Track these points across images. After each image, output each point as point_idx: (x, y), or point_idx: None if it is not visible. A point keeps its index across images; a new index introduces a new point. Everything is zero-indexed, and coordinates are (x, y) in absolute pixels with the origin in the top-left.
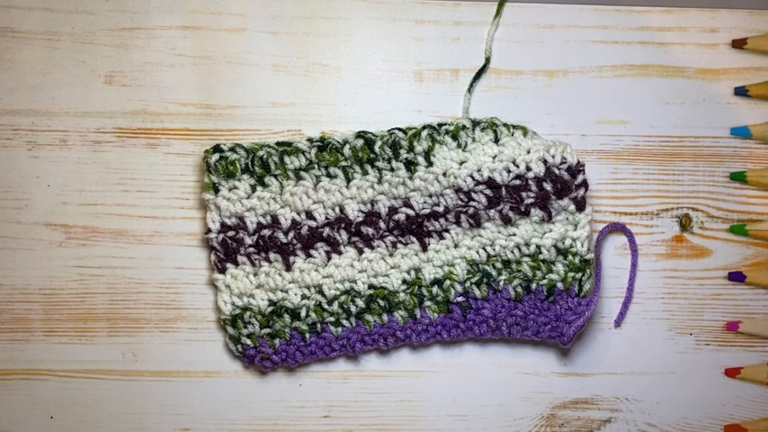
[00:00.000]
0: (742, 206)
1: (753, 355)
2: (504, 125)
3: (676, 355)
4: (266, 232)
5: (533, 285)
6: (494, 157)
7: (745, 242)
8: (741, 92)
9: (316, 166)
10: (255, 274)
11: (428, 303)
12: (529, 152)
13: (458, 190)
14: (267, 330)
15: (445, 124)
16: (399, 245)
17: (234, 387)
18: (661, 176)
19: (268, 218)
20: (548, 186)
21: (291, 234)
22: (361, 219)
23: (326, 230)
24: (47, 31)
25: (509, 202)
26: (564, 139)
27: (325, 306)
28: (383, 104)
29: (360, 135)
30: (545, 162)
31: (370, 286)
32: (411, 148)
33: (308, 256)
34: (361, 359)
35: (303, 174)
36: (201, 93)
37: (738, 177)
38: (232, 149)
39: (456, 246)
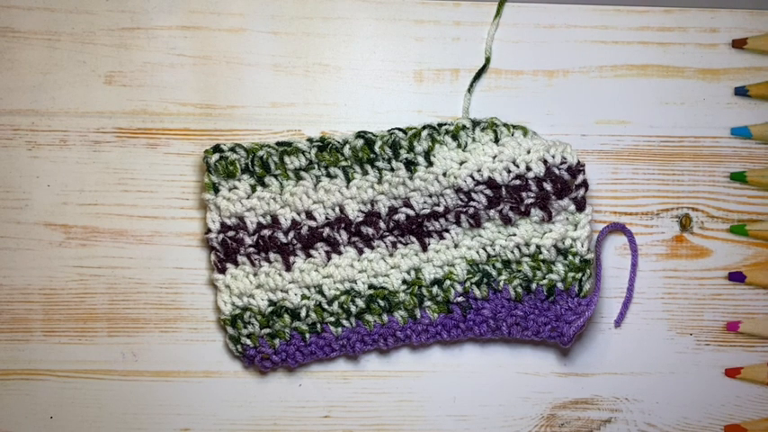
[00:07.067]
0: (742, 206)
1: (753, 355)
2: (504, 125)
3: (676, 355)
4: (266, 232)
5: (533, 285)
6: (494, 157)
7: (745, 242)
8: (741, 92)
9: (316, 166)
10: (255, 275)
11: (428, 303)
12: (529, 152)
13: (458, 190)
14: (267, 330)
15: (445, 124)
16: (399, 245)
17: (234, 387)
18: (661, 176)
19: (268, 218)
20: (548, 186)
21: (291, 234)
22: (361, 219)
23: (326, 230)
24: (47, 31)
25: (509, 202)
26: (564, 139)
27: (325, 306)
28: (383, 104)
29: (360, 135)
30: (545, 162)
31: (370, 286)
32: (411, 148)
33: (308, 256)
34: (361, 359)
35: (303, 174)
36: (201, 93)
37: (738, 177)
38: (232, 149)
39: (456, 246)
